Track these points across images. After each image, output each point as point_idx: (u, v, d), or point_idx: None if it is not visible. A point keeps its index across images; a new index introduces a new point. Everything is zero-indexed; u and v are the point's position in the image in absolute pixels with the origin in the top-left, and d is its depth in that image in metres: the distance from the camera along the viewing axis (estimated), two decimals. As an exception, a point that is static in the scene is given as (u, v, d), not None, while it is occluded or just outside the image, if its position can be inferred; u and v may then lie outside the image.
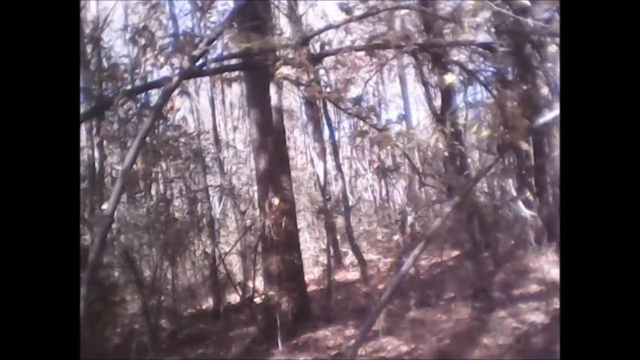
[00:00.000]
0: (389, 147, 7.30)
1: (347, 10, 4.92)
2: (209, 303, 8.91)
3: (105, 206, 5.46)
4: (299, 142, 15.05)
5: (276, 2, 9.34)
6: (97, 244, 4.23)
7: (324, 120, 9.89)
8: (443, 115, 6.70)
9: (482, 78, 5.72)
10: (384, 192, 14.14)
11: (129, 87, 5.80)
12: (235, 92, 12.50)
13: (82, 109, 5.91)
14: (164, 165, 7.82)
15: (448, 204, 5.56)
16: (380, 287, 7.48)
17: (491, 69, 5.53)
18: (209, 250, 8.77)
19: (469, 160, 7.45)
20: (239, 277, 9.16)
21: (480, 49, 5.39)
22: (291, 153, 11.37)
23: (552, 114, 4.71)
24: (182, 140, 7.22)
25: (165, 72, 5.35)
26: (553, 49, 4.87)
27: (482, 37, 5.23)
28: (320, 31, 5.62)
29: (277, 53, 5.41)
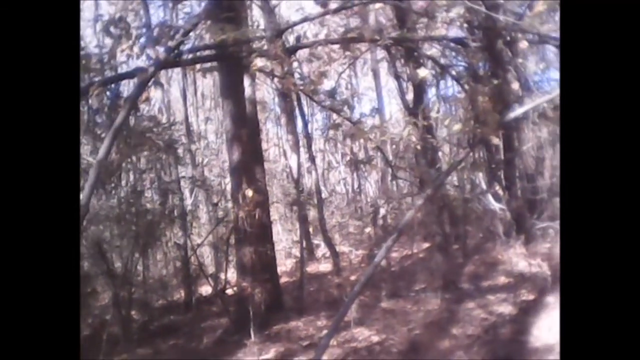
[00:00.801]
0: (361, 140, 7.35)
1: (323, 4, 4.95)
2: (180, 295, 8.86)
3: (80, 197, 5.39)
4: (272, 134, 14.97)
5: (250, -7, 9.28)
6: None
7: (298, 113, 9.91)
8: (415, 109, 6.79)
9: (454, 73, 5.82)
10: (356, 185, 14.20)
11: (98, 77, 5.72)
12: (207, 83, 12.37)
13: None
14: (134, 156, 7.72)
15: (419, 197, 5.66)
16: (353, 278, 7.57)
17: (463, 63, 5.63)
18: (180, 241, 8.71)
19: (440, 153, 7.56)
20: (211, 269, 9.15)
21: (452, 44, 5.48)
22: (264, 145, 11.30)
23: (522, 108, 4.84)
24: (155, 131, 7.14)
25: (137, 62, 5.29)
26: (524, 45, 4.98)
27: (455, 32, 5.33)
28: (295, 24, 5.64)
29: (252, 45, 5.40)
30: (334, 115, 6.60)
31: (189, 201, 9.72)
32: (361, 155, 12.45)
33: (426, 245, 9.17)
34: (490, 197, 7.02)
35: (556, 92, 4.51)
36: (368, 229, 10.41)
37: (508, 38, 5.15)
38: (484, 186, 7.42)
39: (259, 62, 5.18)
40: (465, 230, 8.04)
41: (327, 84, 7.10)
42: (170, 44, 4.56)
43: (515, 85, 5.30)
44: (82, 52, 6.99)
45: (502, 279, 6.91)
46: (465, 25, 4.91)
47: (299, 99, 7.67)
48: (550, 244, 6.87)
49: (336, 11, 5.07)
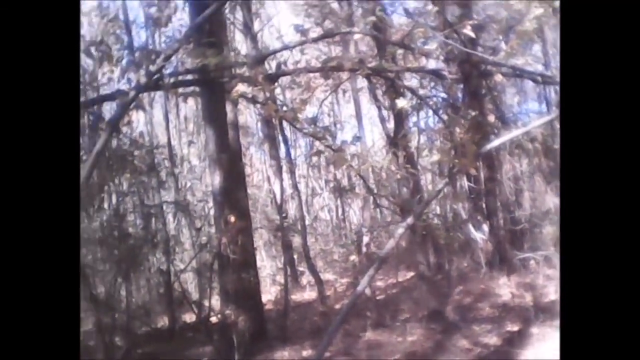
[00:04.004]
0: (344, 167, 7.38)
1: (303, 32, 5.01)
2: (164, 321, 8.73)
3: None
4: (255, 159, 14.93)
5: (232, 19, 9.39)
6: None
7: (280, 138, 9.94)
8: (396, 138, 6.84)
9: (432, 103, 5.89)
10: (340, 212, 14.17)
11: (81, 99, 5.72)
12: (190, 105, 12.30)
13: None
14: (116, 179, 7.69)
15: (401, 225, 5.66)
16: (337, 307, 7.54)
17: (441, 94, 5.70)
18: (163, 267, 8.61)
19: (422, 182, 7.60)
20: (195, 296, 9.02)
21: (430, 75, 5.56)
22: (247, 170, 11.31)
23: (499, 140, 4.88)
24: (136, 154, 7.12)
25: (119, 85, 5.32)
26: (499, 78, 5.06)
27: (433, 63, 5.41)
28: (276, 51, 5.70)
29: (233, 71, 5.44)
30: (317, 142, 6.63)
31: (171, 226, 9.63)
32: (345, 181, 12.47)
33: (410, 274, 9.13)
34: (471, 227, 7.03)
35: (532, 124, 4.57)
36: (352, 257, 10.36)
37: (484, 71, 5.23)
38: (465, 216, 7.43)
39: (241, 87, 5.22)
40: (449, 260, 8.03)
41: (309, 111, 7.17)
42: (152, 68, 4.58)
43: (492, 117, 5.36)
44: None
45: (486, 310, 6.89)
46: (441, 57, 5.00)
47: (281, 125, 7.71)
48: (533, 275, 6.88)
49: (316, 40, 5.15)
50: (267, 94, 5.45)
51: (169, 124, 10.31)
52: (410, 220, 5.42)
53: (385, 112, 7.78)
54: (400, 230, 5.52)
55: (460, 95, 5.72)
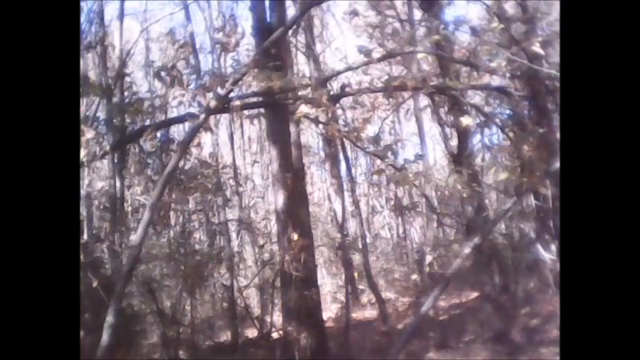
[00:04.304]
0: (406, 186, 7.34)
1: (367, 53, 5.07)
2: (227, 336, 8.89)
3: (133, 237, 5.63)
4: (316, 177, 15.13)
5: (294, 42, 9.59)
6: (125, 273, 4.37)
7: (342, 157, 10.01)
8: (460, 156, 6.76)
9: (498, 121, 5.79)
10: (401, 230, 14.06)
11: (147, 121, 6.02)
12: (254, 126, 12.71)
13: (106, 140, 6.14)
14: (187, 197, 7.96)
15: (467, 244, 5.57)
16: (399, 326, 7.44)
17: (507, 111, 5.60)
18: (227, 283, 8.81)
19: (487, 201, 7.44)
20: (257, 311, 9.16)
21: (495, 93, 5.49)
22: (308, 188, 11.44)
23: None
24: (206, 174, 7.37)
25: (188, 108, 5.54)
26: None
27: (498, 80, 5.33)
28: (339, 72, 5.79)
29: (297, 92, 5.56)
30: (378, 160, 6.64)
31: (235, 243, 9.86)
32: (405, 200, 12.37)
33: (475, 294, 8.92)
34: (539, 247, 6.80)
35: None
36: (414, 276, 10.24)
37: (551, 87, 5.10)
38: (533, 235, 7.19)
39: (305, 108, 5.31)
40: (515, 280, 7.78)
41: (370, 130, 7.19)
42: (220, 91, 4.78)
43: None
44: (133, 97, 7.40)
45: (554, 332, 6.61)
46: (507, 74, 4.93)
47: (342, 144, 7.78)
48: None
49: (380, 60, 5.18)
50: (330, 114, 5.53)
51: (233, 144, 10.61)
52: (477, 239, 5.34)
53: (448, 130, 7.71)
54: (467, 250, 5.44)
55: (526, 112, 5.60)
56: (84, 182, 9.01)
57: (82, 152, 4.88)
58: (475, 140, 7.76)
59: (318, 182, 14.92)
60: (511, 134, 5.30)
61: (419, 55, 5.27)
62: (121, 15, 8.98)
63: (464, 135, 7.00)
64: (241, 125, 11.88)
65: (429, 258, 8.89)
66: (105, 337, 4.13)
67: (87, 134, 5.01)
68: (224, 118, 10.24)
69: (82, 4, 9.00)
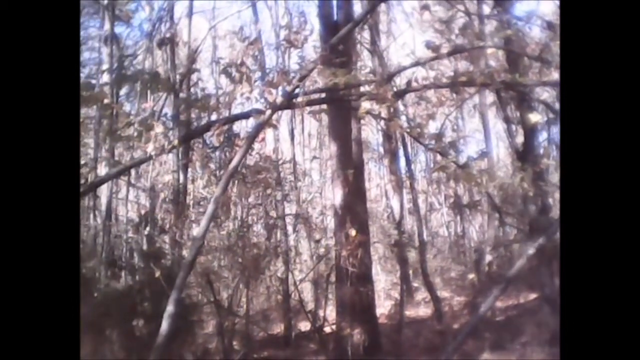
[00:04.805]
0: (470, 183, 7.20)
1: (434, 48, 5.01)
2: (280, 328, 9.04)
3: (195, 229, 5.81)
4: (374, 173, 15.08)
5: (359, 38, 9.60)
6: (187, 264, 4.49)
7: (401, 153, 9.93)
8: (525, 153, 6.57)
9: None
10: (459, 229, 13.85)
11: (213, 116, 6.15)
12: (314, 122, 12.80)
13: (172, 135, 6.33)
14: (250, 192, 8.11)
15: (530, 245, 5.43)
16: (455, 326, 7.34)
17: (578, 108, 5.38)
18: (283, 276, 8.94)
19: (551, 200, 7.20)
20: (311, 305, 9.26)
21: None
22: (366, 185, 11.44)
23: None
24: (268, 169, 7.49)
25: (253, 104, 5.63)
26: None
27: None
28: (405, 68, 5.74)
29: (362, 88, 5.55)
30: (438, 156, 6.55)
31: (292, 237, 9.98)
32: (465, 198, 12.17)
33: (533, 296, 8.70)
34: (605, 250, 6.52)
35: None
36: (471, 275, 10.09)
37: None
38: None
39: (368, 105, 5.29)
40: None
41: (432, 126, 7.10)
42: (287, 88, 4.84)
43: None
44: (200, 93, 7.59)
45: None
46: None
47: (403, 140, 7.72)
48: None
49: (449, 55, 5.10)
50: (392, 110, 5.49)
51: (294, 140, 10.73)
52: (542, 240, 5.19)
53: (513, 127, 7.51)
54: (531, 251, 5.30)
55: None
56: (150, 174, 9.35)
57: (150, 146, 5.01)
58: (542, 137, 7.55)
59: (376, 179, 14.87)
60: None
61: (488, 51, 5.14)
62: (190, 13, 9.26)
63: (530, 132, 6.78)
64: (302, 121, 12.01)
65: (488, 257, 8.73)
66: (164, 325, 4.20)
67: (156, 128, 5.15)
68: (285, 114, 10.37)
69: (153, 2, 9.36)
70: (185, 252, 7.09)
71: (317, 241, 9.70)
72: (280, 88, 4.82)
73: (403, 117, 6.81)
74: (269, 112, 4.75)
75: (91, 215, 9.30)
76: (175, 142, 5.18)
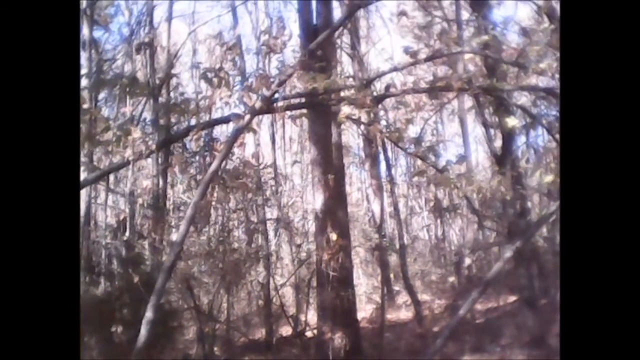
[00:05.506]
0: (448, 187, 7.28)
1: (412, 54, 5.06)
2: (261, 334, 9.01)
3: (174, 234, 5.77)
4: (355, 178, 15.14)
5: (339, 43, 9.64)
6: (166, 270, 4.46)
7: (382, 158, 9.98)
8: (504, 157, 6.66)
9: (545, 122, 5.69)
10: (439, 232, 13.97)
11: (193, 121, 6.12)
12: (295, 127, 12.82)
13: (151, 139, 6.29)
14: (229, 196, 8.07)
15: (508, 248, 5.50)
16: (435, 329, 7.39)
17: (554, 113, 5.49)
18: (264, 281, 8.91)
19: (529, 203, 7.31)
20: (292, 310, 9.25)
21: (543, 94, 5.39)
22: (347, 189, 11.49)
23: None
24: (248, 174, 7.47)
25: (232, 108, 5.61)
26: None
27: (546, 81, 5.24)
28: (384, 73, 5.78)
29: (342, 93, 5.57)
30: (419, 161, 6.61)
31: (273, 242, 9.98)
32: (445, 202, 12.27)
33: (512, 298, 8.80)
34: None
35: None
36: (451, 278, 10.19)
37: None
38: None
39: (347, 109, 5.31)
40: (555, 285, 7.63)
41: (412, 130, 7.15)
42: (266, 92, 4.84)
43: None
44: (179, 97, 7.55)
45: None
46: (556, 75, 4.82)
47: (383, 145, 7.75)
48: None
49: (427, 60, 5.15)
50: (372, 115, 5.52)
51: (275, 145, 10.73)
52: (519, 243, 5.27)
53: (492, 132, 7.61)
54: (509, 254, 5.38)
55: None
56: (129, 180, 9.27)
57: (129, 151, 4.97)
58: (520, 141, 7.67)
59: (357, 183, 14.94)
60: (557, 136, 5.20)
61: (466, 56, 5.20)
62: (170, 18, 9.22)
63: (508, 136, 6.89)
64: (283, 126, 12.01)
65: (467, 261, 8.82)
66: (143, 332, 4.17)
67: (134, 133, 5.10)
68: (266, 118, 10.38)
69: (133, 6, 9.29)
70: (164, 258, 7.04)
71: (298, 245, 9.71)
72: (259, 93, 4.82)
73: (383, 122, 6.82)
74: (248, 116, 4.75)
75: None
76: (154, 147, 5.14)
